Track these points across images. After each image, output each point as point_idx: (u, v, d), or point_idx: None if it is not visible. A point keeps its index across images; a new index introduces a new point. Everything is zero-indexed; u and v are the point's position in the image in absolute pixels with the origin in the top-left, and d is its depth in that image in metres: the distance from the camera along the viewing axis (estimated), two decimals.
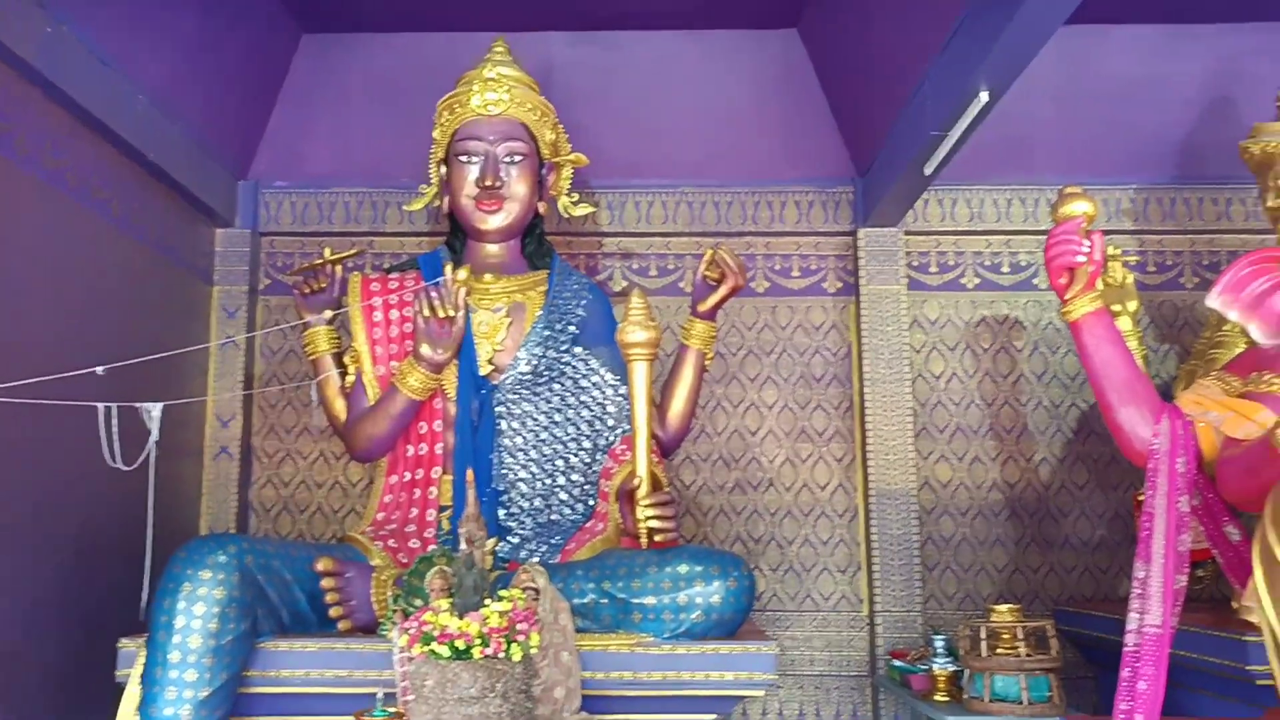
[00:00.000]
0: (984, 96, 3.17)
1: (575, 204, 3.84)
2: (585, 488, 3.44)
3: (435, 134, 3.76)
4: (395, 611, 2.81)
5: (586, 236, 4.36)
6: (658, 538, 3.07)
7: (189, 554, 2.69)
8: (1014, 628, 3.26)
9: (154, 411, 2.87)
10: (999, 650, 3.26)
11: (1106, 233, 4.18)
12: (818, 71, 4.40)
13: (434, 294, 3.35)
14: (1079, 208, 2.78)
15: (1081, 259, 2.72)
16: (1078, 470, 4.17)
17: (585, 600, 2.90)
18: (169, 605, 2.62)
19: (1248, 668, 2.71)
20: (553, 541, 3.31)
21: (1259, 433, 2.42)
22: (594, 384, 3.54)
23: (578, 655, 2.75)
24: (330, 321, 3.78)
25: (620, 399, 3.48)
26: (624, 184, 4.40)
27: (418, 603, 2.74)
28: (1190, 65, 4.23)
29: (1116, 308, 3.78)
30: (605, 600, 2.90)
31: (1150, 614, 2.46)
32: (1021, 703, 3.17)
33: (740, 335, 4.33)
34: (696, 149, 4.41)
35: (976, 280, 4.36)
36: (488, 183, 3.57)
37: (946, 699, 3.39)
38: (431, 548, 3.16)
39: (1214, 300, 2.68)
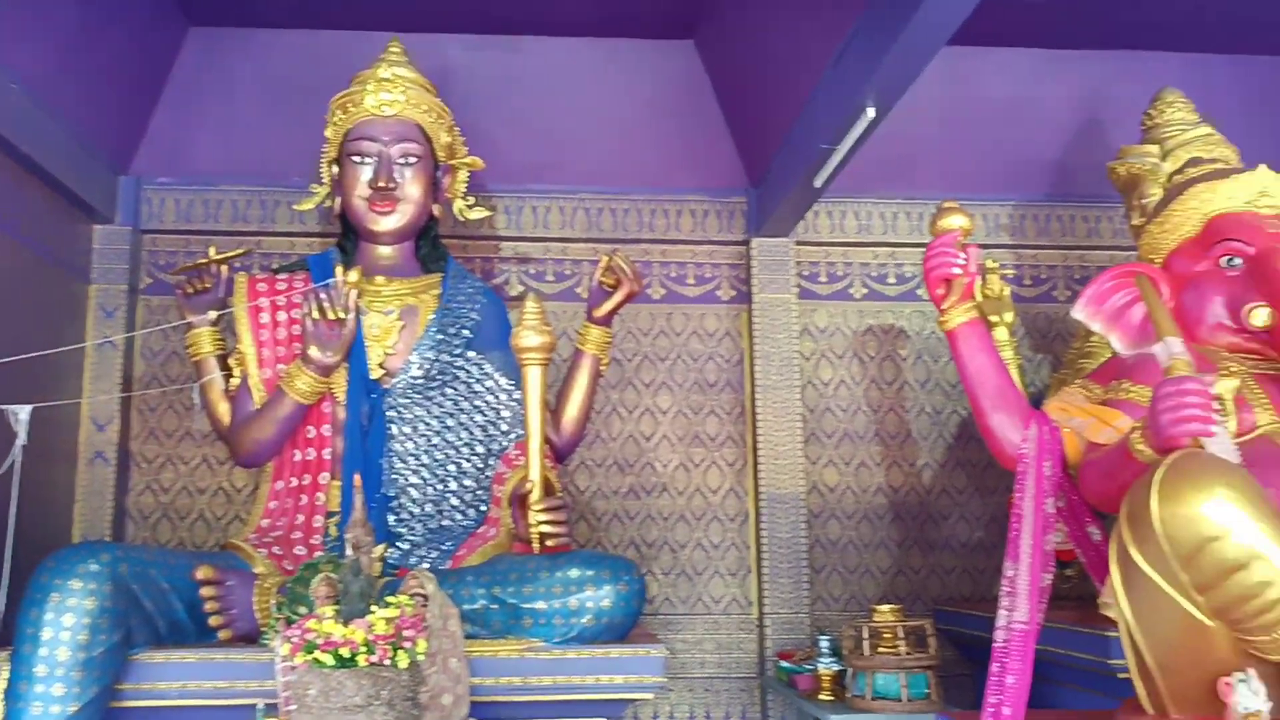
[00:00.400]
0: (871, 112, 3.27)
1: (471, 208, 3.83)
2: (477, 493, 3.43)
3: (328, 133, 3.70)
4: (278, 620, 2.76)
5: (483, 240, 4.34)
6: (550, 543, 3.09)
7: (58, 563, 2.59)
8: (895, 627, 3.37)
9: (21, 414, 2.76)
10: (880, 649, 3.37)
11: (985, 247, 4.39)
12: (714, 83, 4.47)
13: (323, 295, 3.30)
14: (955, 222, 2.90)
15: (957, 271, 2.83)
16: (957, 475, 4.32)
17: (475, 606, 2.90)
18: (35, 616, 2.52)
19: (1109, 661, 2.85)
20: (444, 547, 3.29)
21: (1117, 437, 2.56)
22: (488, 389, 3.53)
23: (467, 661, 2.74)
24: (215, 323, 3.68)
25: (514, 404, 3.48)
26: (521, 189, 4.39)
27: (302, 610, 2.69)
28: (1063, 89, 4.44)
29: (994, 318, 3.94)
30: (496, 606, 2.90)
31: (1018, 611, 2.58)
32: (901, 700, 3.28)
33: (636, 341, 4.37)
34: (594, 156, 4.43)
35: (864, 290, 4.49)
36: (381, 184, 3.53)
37: (831, 698, 3.47)
38: (318, 554, 3.11)
39: (1079, 312, 2.83)
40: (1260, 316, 2.62)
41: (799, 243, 4.44)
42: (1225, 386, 2.55)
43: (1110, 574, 2.36)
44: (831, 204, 4.46)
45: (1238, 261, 2.72)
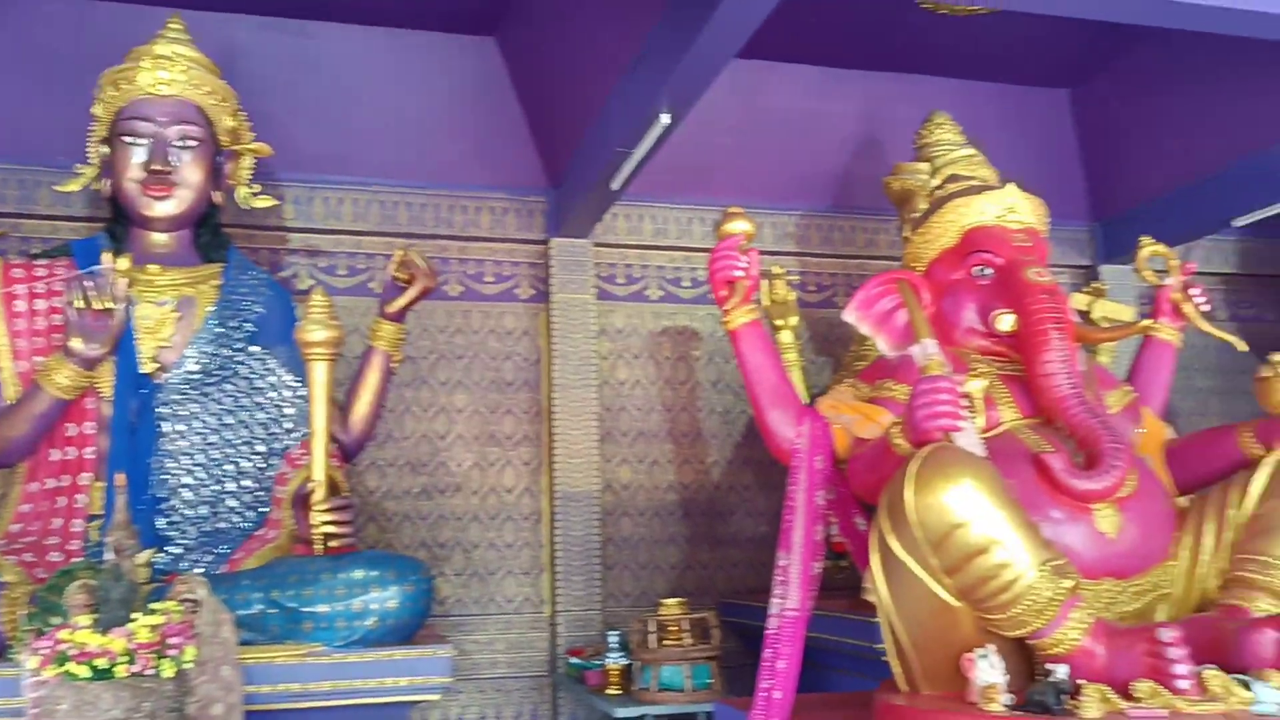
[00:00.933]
0: (665, 118, 3.36)
1: (256, 196, 3.67)
2: (257, 494, 3.29)
3: (97, 110, 3.46)
4: (28, 632, 2.56)
5: (270, 231, 4.17)
6: (334, 544, 3.00)
7: None
8: (680, 620, 3.47)
9: None
10: (666, 642, 3.45)
11: (774, 255, 4.59)
12: (514, 81, 4.47)
13: (89, 283, 3.08)
14: (738, 226, 3.00)
15: (739, 273, 2.94)
16: (744, 472, 4.49)
17: (252, 611, 2.80)
18: None
19: (875, 646, 3.01)
20: (219, 551, 3.14)
21: (880, 432, 2.73)
22: (270, 385, 3.40)
23: (240, 669, 2.63)
24: None
25: (300, 401, 3.36)
26: (312, 179, 4.25)
27: (55, 620, 2.50)
28: (845, 106, 4.70)
29: (780, 322, 4.12)
30: (274, 610, 2.81)
31: (790, 599, 2.70)
32: (684, 690, 3.37)
33: (432, 339, 4.31)
34: (391, 148, 4.34)
35: (660, 293, 4.60)
36: (156, 166, 3.34)
37: (618, 692, 3.54)
38: (75, 560, 2.90)
39: (849, 315, 3.00)
40: (1005, 322, 2.84)
41: (597, 244, 4.50)
42: (974, 386, 2.76)
43: (870, 560, 2.52)
44: (629, 207, 4.54)
45: (988, 271, 2.94)
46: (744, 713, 2.69)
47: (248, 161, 3.67)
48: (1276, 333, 4.97)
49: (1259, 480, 2.58)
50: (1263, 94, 4.18)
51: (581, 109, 3.98)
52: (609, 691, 3.55)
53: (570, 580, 4.14)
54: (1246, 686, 2.19)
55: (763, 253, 4.59)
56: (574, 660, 3.82)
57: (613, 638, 3.64)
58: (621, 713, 3.39)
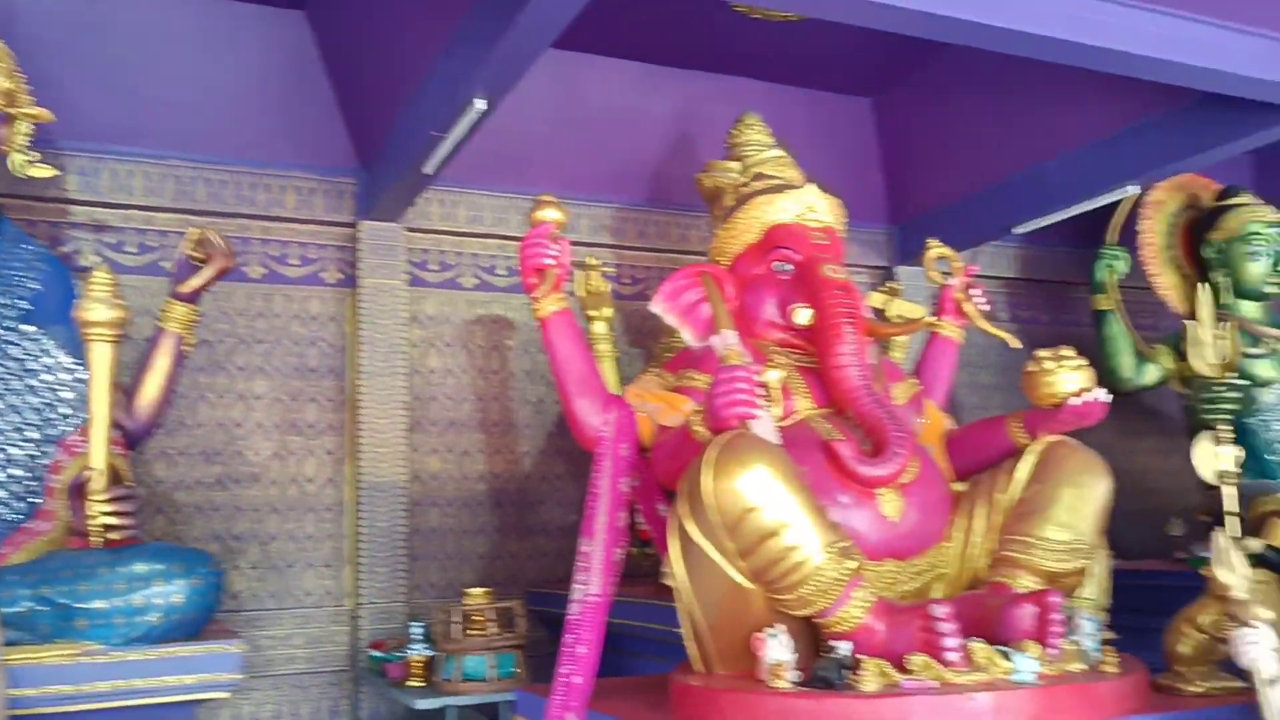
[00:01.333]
0: (481, 104, 3.32)
1: (34, 164, 3.39)
2: (28, 483, 3.06)
3: None
4: None
5: (50, 203, 3.88)
6: (114, 535, 2.83)
7: None
8: (485, 610, 3.44)
9: None
10: (470, 632, 3.43)
11: (589, 246, 4.62)
12: (324, 58, 4.32)
13: None
14: (550, 215, 3.01)
15: (550, 261, 2.95)
16: (556, 462, 4.50)
17: (19, 609, 2.64)
18: None
19: (677, 630, 3.07)
20: None
21: (683, 421, 2.79)
22: (45, 367, 3.16)
23: (5, 671, 2.45)
24: None
25: (79, 384, 3.14)
26: (100, 149, 3.97)
27: None
28: (662, 102, 4.77)
29: (594, 314, 4.16)
30: (44, 607, 2.65)
31: (592, 585, 2.73)
32: (488, 680, 3.35)
33: (230, 322, 4.11)
34: (189, 121, 4.11)
35: (474, 281, 4.54)
36: None
37: (420, 684, 3.48)
38: None
39: (655, 306, 3.05)
40: (803, 316, 2.97)
41: (410, 229, 4.40)
42: (772, 377, 2.87)
43: (668, 545, 2.58)
44: (444, 193, 4.47)
45: (788, 267, 3.07)
46: (544, 699, 2.69)
47: (24, 127, 3.38)
48: (1051, 334, 5.37)
49: (1024, 466, 2.79)
50: (1043, 111, 4.52)
51: (395, 90, 3.89)
52: (410, 684, 3.49)
53: (374, 572, 4.04)
54: (1008, 657, 2.36)
55: (578, 244, 4.65)
56: (375, 653, 3.74)
57: (416, 629, 3.58)
58: (422, 704, 3.34)
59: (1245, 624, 2.15)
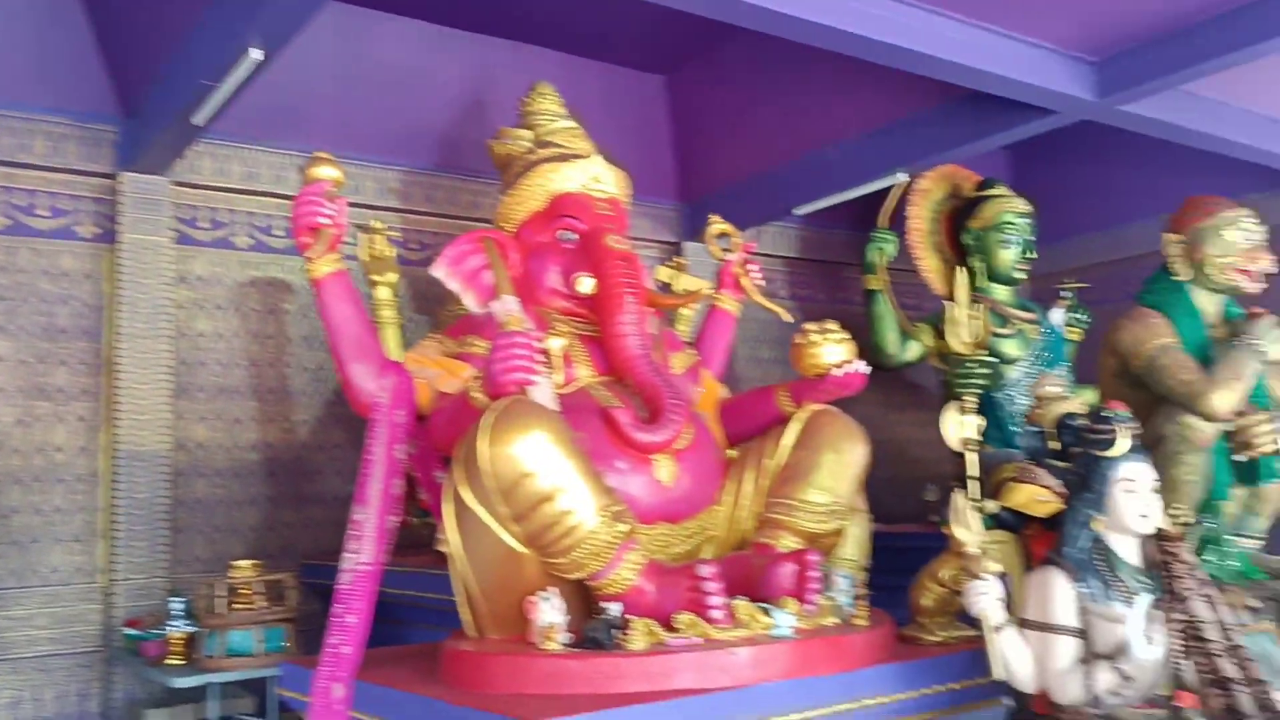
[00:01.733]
0: (256, 55, 3.15)
1: None
2: None
3: None
4: None
5: None
6: None
7: None
8: (253, 583, 3.30)
9: None
10: (236, 606, 3.27)
11: (375, 209, 4.48)
12: None
13: None
14: (326, 172, 2.90)
15: (325, 220, 2.83)
16: (335, 430, 4.35)
17: None
18: None
19: (454, 599, 3.07)
20: None
21: (461, 386, 2.76)
22: None
23: None
24: None
25: None
26: None
27: None
28: (454, 65, 4.67)
29: (378, 278, 4.02)
30: None
31: (364, 553, 2.66)
32: (255, 655, 3.22)
33: None
34: None
35: (249, 241, 4.32)
36: None
37: (180, 661, 3.30)
38: None
39: (437, 270, 3.00)
40: (585, 285, 2.99)
41: (177, 183, 4.13)
42: (554, 344, 2.88)
43: (443, 511, 2.55)
44: (217, 146, 4.21)
45: (572, 236, 3.08)
46: (312, 672, 2.61)
47: None
48: (826, 311, 5.58)
49: (790, 433, 2.93)
50: (825, 99, 4.73)
51: (163, 33, 3.62)
52: (169, 662, 3.30)
53: (132, 547, 3.78)
54: (768, 614, 2.48)
55: (363, 207, 4.51)
56: (130, 632, 3.51)
57: (176, 605, 3.39)
58: (180, 683, 3.17)
59: (977, 577, 2.33)
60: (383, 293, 4.02)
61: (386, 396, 2.78)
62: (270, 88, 3.79)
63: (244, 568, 3.33)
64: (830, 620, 2.58)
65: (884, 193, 4.81)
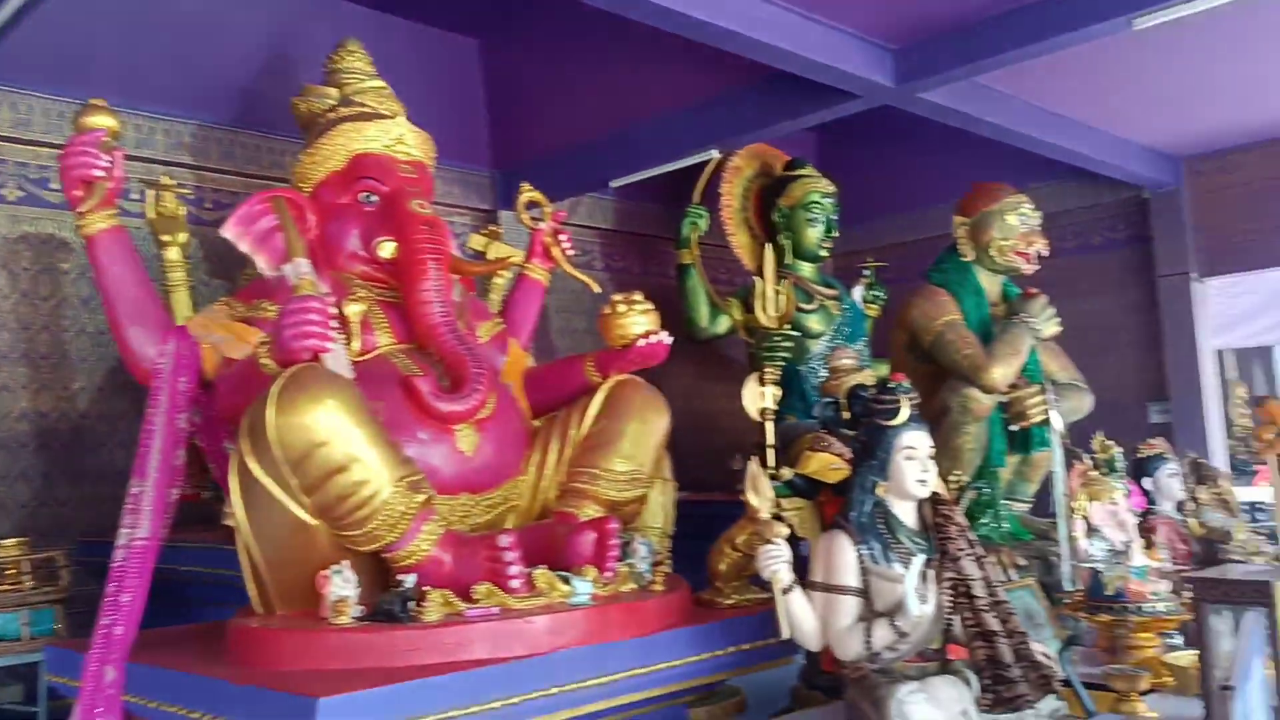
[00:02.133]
0: None
1: None
2: None
3: None
4: None
5: None
6: None
7: None
8: (19, 562, 3.06)
9: None
10: (1, 588, 3.03)
11: (166, 165, 4.21)
12: None
13: None
14: (100, 120, 2.70)
15: (100, 173, 2.64)
16: (119, 399, 4.07)
17: None
18: None
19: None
20: None
21: (249, 352, 2.63)
22: None
23: None
24: None
25: None
26: None
27: None
28: (256, 16, 4.43)
29: (167, 238, 3.77)
30: None
31: (141, 528, 2.50)
32: (22, 639, 2.99)
33: None
34: None
35: (20, 193, 3.97)
36: None
37: None
38: None
39: (227, 231, 2.84)
40: (386, 249, 2.89)
41: None
42: (352, 310, 2.78)
43: (229, 483, 2.43)
44: None
45: (374, 199, 2.97)
46: (83, 655, 2.44)
47: None
48: (640, 284, 5.64)
49: (595, 403, 2.94)
50: (641, 73, 4.74)
51: None
52: None
53: None
54: (568, 582, 2.49)
55: (153, 162, 4.24)
56: None
57: None
58: None
59: (768, 541, 2.40)
60: (172, 253, 3.78)
61: (168, 362, 2.62)
62: (49, 28, 3.51)
63: (8, 546, 3.08)
64: (628, 587, 2.61)
65: (697, 168, 4.89)
